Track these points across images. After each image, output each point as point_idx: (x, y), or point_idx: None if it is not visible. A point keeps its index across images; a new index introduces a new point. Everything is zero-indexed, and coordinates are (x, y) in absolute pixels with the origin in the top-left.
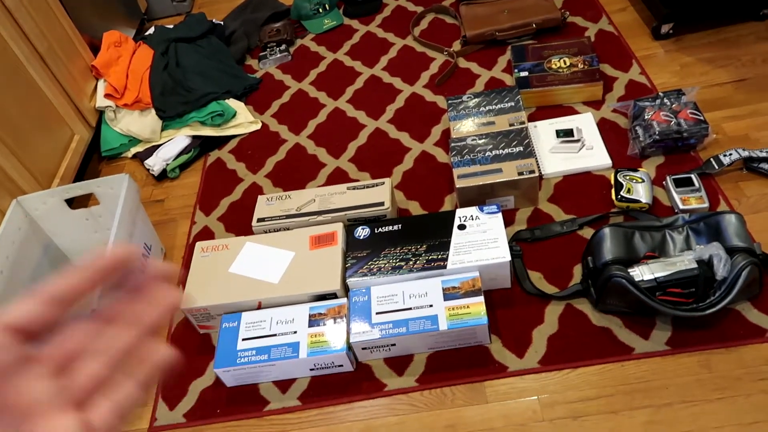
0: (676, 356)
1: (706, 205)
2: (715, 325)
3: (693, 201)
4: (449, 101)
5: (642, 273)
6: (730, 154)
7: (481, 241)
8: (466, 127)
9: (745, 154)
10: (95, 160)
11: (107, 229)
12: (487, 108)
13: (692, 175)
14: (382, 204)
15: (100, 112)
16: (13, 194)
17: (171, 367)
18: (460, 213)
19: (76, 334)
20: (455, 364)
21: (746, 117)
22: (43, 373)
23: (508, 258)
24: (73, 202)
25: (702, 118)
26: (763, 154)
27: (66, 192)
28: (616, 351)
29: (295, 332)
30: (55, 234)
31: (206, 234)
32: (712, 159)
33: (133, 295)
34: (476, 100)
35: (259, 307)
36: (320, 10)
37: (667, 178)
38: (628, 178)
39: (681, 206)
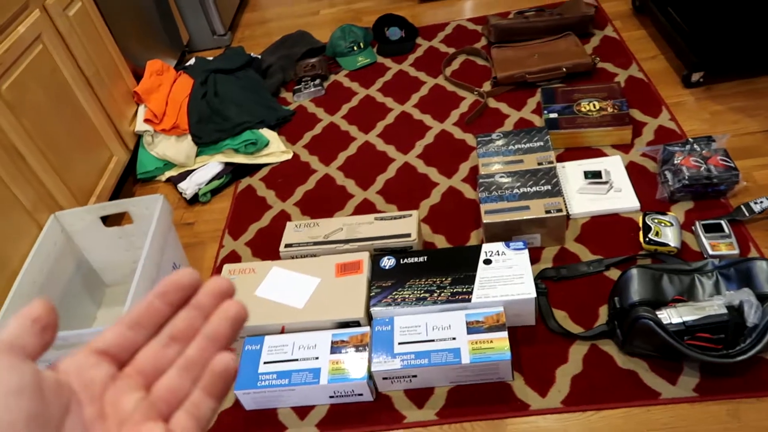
0: (703, 404)
1: (737, 251)
2: (744, 373)
3: (723, 247)
4: (478, 138)
5: (670, 316)
6: (761, 202)
7: (507, 277)
8: (495, 164)
9: None
10: (130, 182)
11: (138, 248)
12: (516, 147)
13: (722, 221)
14: (408, 235)
15: (139, 136)
16: (52, 209)
17: (235, 374)
18: (486, 248)
19: (152, 351)
20: (476, 400)
21: None
22: (132, 387)
23: (534, 294)
24: (107, 221)
25: (732, 165)
26: None
27: (102, 209)
28: (641, 395)
29: (317, 358)
30: (89, 250)
31: (233, 258)
32: (742, 206)
33: (199, 312)
34: (505, 138)
35: (283, 331)
36: (355, 48)
37: (697, 223)
38: (656, 221)
39: (710, 252)
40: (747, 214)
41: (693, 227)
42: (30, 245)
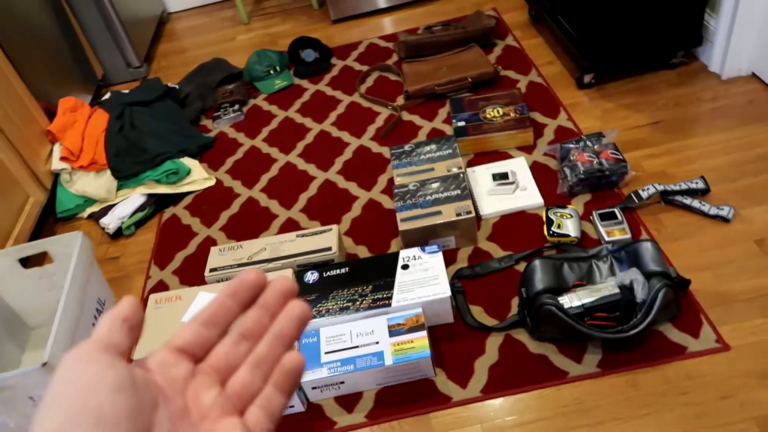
0: (606, 377)
1: (629, 236)
2: (640, 345)
3: (617, 233)
4: (392, 151)
5: (570, 300)
6: (648, 189)
7: (423, 279)
8: (408, 174)
9: (661, 188)
10: (51, 222)
11: (61, 288)
12: (427, 156)
13: (615, 210)
14: (329, 249)
15: (56, 175)
16: None
17: (302, 372)
18: (404, 254)
19: (225, 348)
20: (402, 398)
21: (663, 155)
22: (209, 383)
23: (448, 293)
24: (29, 263)
25: (621, 157)
26: (677, 188)
27: (18, 252)
28: (552, 376)
29: None
30: (9, 294)
31: (161, 287)
32: (632, 194)
33: (266, 311)
34: (417, 149)
35: None
36: (271, 72)
37: (594, 213)
38: (558, 214)
39: (606, 238)
40: (636, 201)
41: (591, 217)
42: None
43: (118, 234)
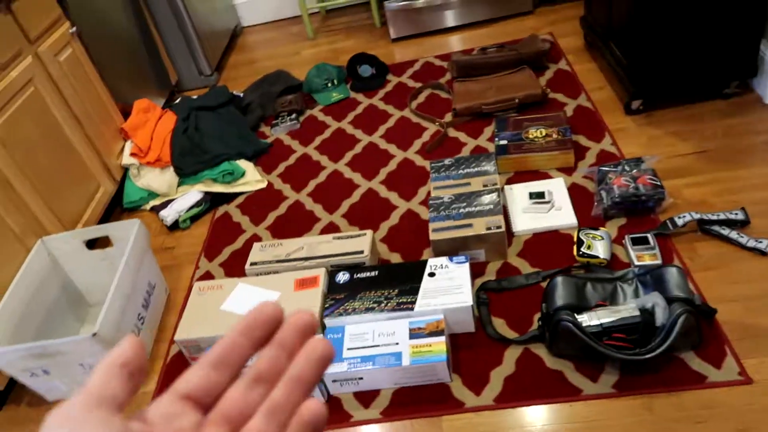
0: (621, 399)
1: (659, 261)
2: (659, 370)
3: (647, 258)
4: (432, 164)
5: (589, 319)
6: (684, 217)
7: (447, 288)
8: (445, 187)
9: (698, 216)
10: (117, 212)
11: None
12: (465, 171)
13: (648, 235)
14: (361, 252)
15: (125, 169)
16: (39, 235)
17: (324, 423)
18: (432, 262)
19: (237, 394)
20: (417, 399)
21: (705, 184)
22: None
23: (470, 303)
24: (96, 245)
25: (659, 183)
26: (715, 217)
27: (85, 234)
28: (565, 392)
29: None
30: (74, 272)
31: (207, 278)
32: (668, 221)
33: (283, 350)
34: (456, 164)
35: None
36: (329, 85)
37: (626, 237)
38: (589, 236)
39: (636, 262)
40: (671, 228)
41: (623, 241)
42: (18, 266)
43: (175, 226)
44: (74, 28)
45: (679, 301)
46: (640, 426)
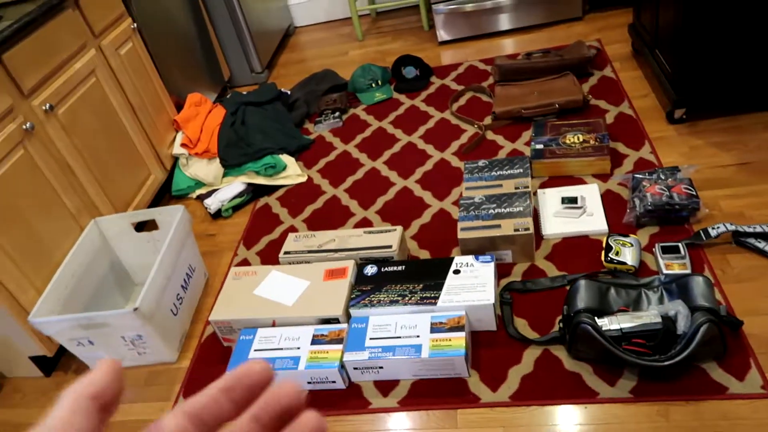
0: (637, 404)
1: (688, 271)
2: (679, 379)
3: (676, 267)
4: (465, 165)
5: (609, 323)
6: (718, 228)
7: (471, 285)
8: (477, 187)
9: (732, 228)
10: (166, 199)
11: None
12: (498, 173)
13: (679, 244)
14: (390, 247)
15: (175, 158)
16: (93, 215)
17: None
18: (458, 260)
19: None
20: (435, 392)
21: (744, 197)
22: None
23: (492, 301)
24: (144, 228)
25: (694, 193)
26: (751, 230)
27: (133, 216)
28: (581, 394)
29: (299, 348)
30: (122, 252)
31: (244, 264)
32: (701, 231)
33: (258, 424)
34: (489, 165)
35: (274, 324)
36: (373, 85)
37: (656, 245)
38: (619, 242)
39: (665, 270)
40: (704, 238)
41: (653, 249)
42: (72, 243)
43: (218, 215)
44: (135, 24)
45: (703, 310)
46: (655, 431)
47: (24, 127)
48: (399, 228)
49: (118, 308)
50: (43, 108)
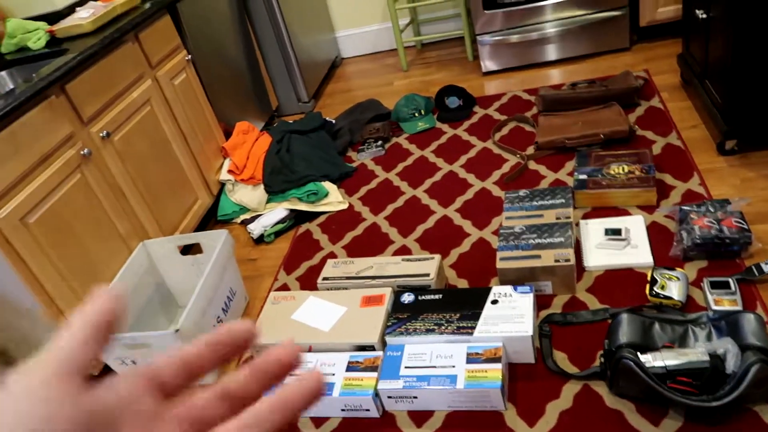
0: None
1: (739, 308)
2: (728, 421)
3: (726, 303)
4: (506, 195)
5: (654, 359)
6: None
7: (509, 316)
8: (518, 217)
9: None
10: (212, 223)
11: None
12: (539, 203)
13: (730, 279)
14: (427, 275)
15: (222, 184)
16: (141, 238)
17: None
18: (496, 290)
19: (204, 402)
20: (470, 424)
21: None
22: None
23: (530, 333)
24: (190, 251)
25: (746, 226)
26: None
27: (179, 240)
28: None
29: (333, 374)
30: (167, 274)
31: (284, 289)
32: (753, 266)
33: (255, 379)
34: (531, 195)
35: (310, 350)
36: (416, 114)
37: (705, 279)
38: (665, 276)
39: (713, 306)
40: (757, 274)
41: (701, 284)
42: (120, 264)
43: (260, 240)
44: (189, 56)
45: (754, 349)
46: None
47: (82, 152)
48: (437, 256)
49: (161, 329)
50: (101, 135)
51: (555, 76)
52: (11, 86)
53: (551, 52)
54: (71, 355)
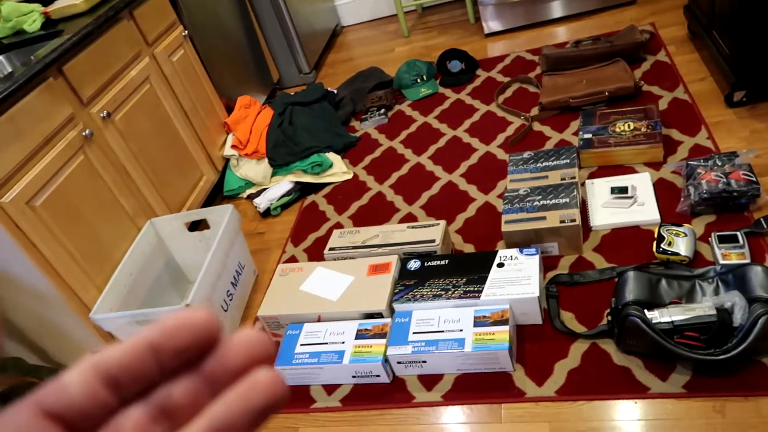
0: (690, 400)
1: (747, 261)
2: (736, 373)
3: (734, 257)
4: (510, 157)
5: (660, 315)
6: None
7: (515, 278)
8: (522, 180)
9: None
10: (218, 199)
11: None
12: (544, 164)
13: (738, 233)
14: (433, 241)
15: (226, 160)
16: (149, 216)
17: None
18: (502, 253)
19: (133, 424)
20: (479, 386)
21: None
22: None
23: (537, 294)
24: (198, 228)
25: (754, 179)
26: None
27: (185, 217)
28: (631, 389)
29: (343, 342)
30: (176, 251)
31: (292, 261)
32: (762, 219)
33: (208, 385)
34: (535, 157)
35: (319, 319)
36: (418, 80)
37: (713, 234)
38: (671, 232)
39: (721, 261)
40: (765, 227)
41: (709, 238)
42: (129, 244)
43: (267, 213)
44: (186, 31)
45: (762, 301)
46: (710, 429)
47: (84, 133)
48: (442, 222)
49: (173, 305)
50: (101, 115)
51: (559, 34)
52: (9, 70)
53: (555, 10)
54: (51, 400)
